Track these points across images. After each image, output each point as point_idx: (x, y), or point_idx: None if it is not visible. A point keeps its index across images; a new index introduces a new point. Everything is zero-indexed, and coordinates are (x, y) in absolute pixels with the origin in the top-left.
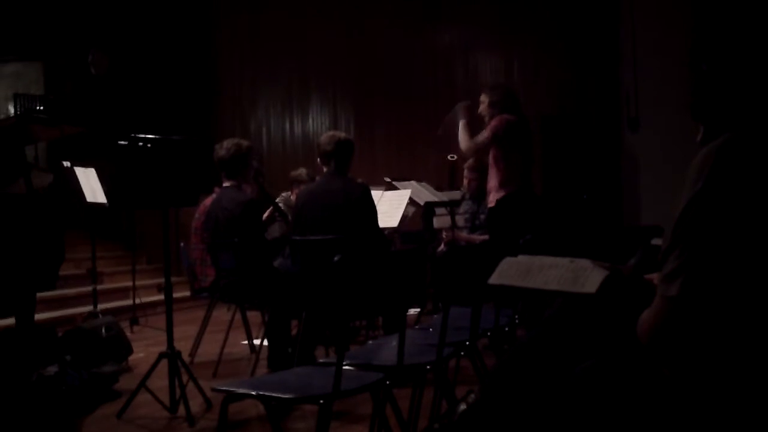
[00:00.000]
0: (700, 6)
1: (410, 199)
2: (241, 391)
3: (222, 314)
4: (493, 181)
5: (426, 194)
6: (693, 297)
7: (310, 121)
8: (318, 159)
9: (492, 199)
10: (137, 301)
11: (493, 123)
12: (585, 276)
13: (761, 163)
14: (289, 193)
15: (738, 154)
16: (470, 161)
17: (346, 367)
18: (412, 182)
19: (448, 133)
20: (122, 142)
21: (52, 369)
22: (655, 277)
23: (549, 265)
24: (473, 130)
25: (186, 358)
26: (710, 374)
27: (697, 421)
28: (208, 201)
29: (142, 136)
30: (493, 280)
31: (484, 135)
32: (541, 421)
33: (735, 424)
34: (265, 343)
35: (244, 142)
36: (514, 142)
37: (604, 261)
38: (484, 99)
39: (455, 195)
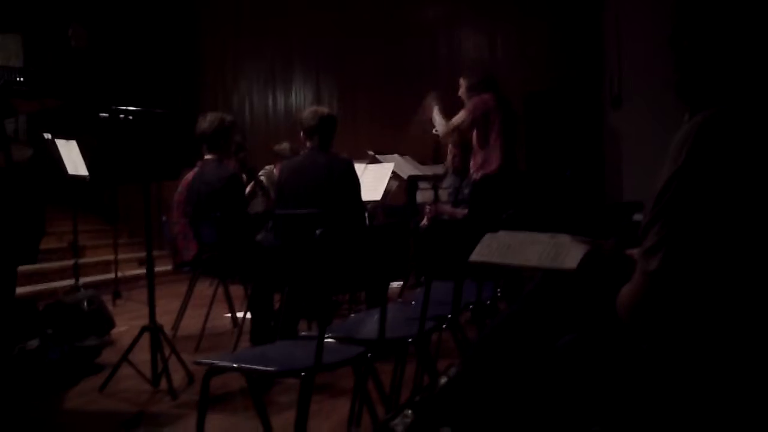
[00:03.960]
0: None
1: (393, 172)
2: (224, 364)
3: (204, 288)
4: (476, 160)
5: (409, 168)
6: (673, 272)
7: (293, 95)
8: (301, 134)
9: (475, 177)
10: (119, 275)
11: (470, 104)
12: (565, 252)
13: (743, 139)
14: (272, 166)
15: (720, 129)
16: (455, 136)
17: (328, 341)
18: (396, 156)
19: (423, 120)
20: (103, 115)
21: (34, 343)
22: (635, 252)
23: (529, 241)
24: (449, 116)
25: (168, 332)
26: (689, 349)
27: (675, 395)
28: (190, 175)
29: (124, 108)
30: (474, 257)
31: (460, 116)
32: (522, 395)
33: (714, 399)
34: (248, 316)
35: (228, 117)
36: (493, 120)
37: (586, 236)
38: (462, 83)
39: (438, 169)
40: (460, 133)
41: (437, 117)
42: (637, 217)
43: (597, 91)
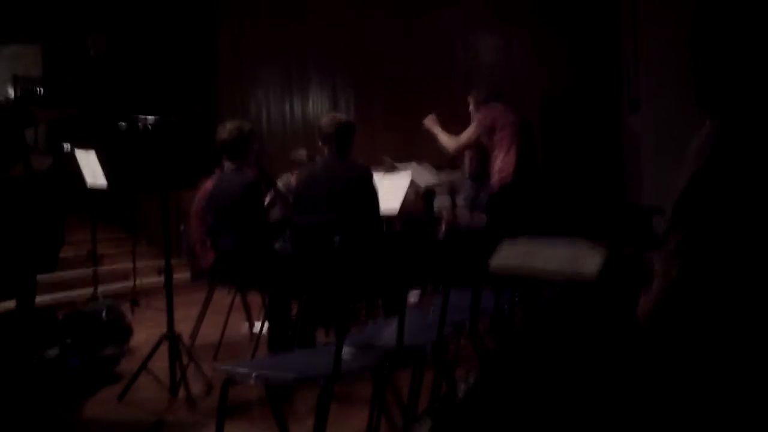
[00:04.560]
0: None
1: (411, 181)
2: (242, 372)
3: (222, 296)
4: (492, 168)
5: (426, 175)
6: (692, 278)
7: (310, 102)
8: (318, 141)
9: (493, 183)
10: (138, 283)
11: (479, 115)
12: (585, 258)
13: (762, 143)
14: (290, 174)
15: (739, 133)
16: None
17: (347, 349)
18: (413, 163)
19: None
20: (122, 124)
21: (53, 352)
22: (655, 257)
23: (549, 248)
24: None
25: (187, 340)
26: (710, 355)
27: (697, 403)
28: (208, 184)
29: (142, 117)
30: (494, 263)
31: (470, 130)
32: (541, 403)
33: (735, 406)
34: (266, 325)
35: (246, 125)
36: (503, 127)
37: (605, 242)
38: (470, 100)
39: (455, 175)
40: (468, 149)
41: (442, 136)
42: (657, 221)
43: (615, 95)
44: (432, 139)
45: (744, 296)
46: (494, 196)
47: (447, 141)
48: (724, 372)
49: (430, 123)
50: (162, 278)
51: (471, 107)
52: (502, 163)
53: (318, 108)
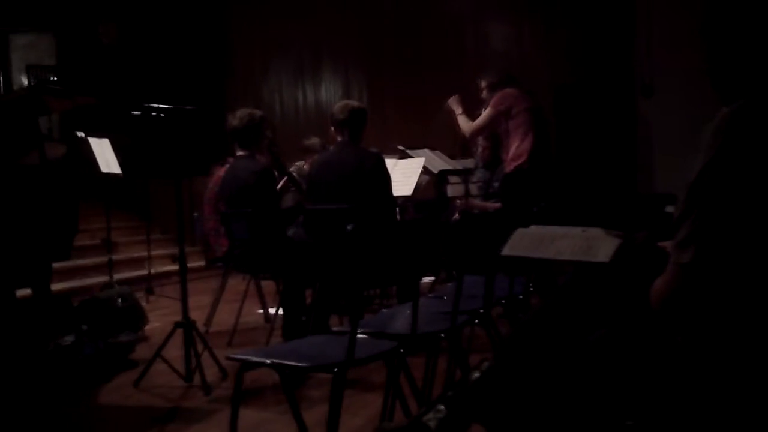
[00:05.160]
0: None
1: (424, 167)
2: (256, 359)
3: (237, 284)
4: (506, 153)
5: (439, 162)
6: (706, 264)
7: (323, 90)
8: (331, 128)
9: (507, 169)
10: (152, 271)
11: (495, 100)
12: (598, 245)
13: None
14: (303, 162)
15: (753, 119)
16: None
17: (360, 336)
18: (426, 150)
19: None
20: (135, 113)
21: (69, 339)
22: (668, 244)
23: (561, 235)
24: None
25: (201, 327)
26: (723, 341)
27: (709, 387)
28: (221, 171)
29: (155, 105)
30: (506, 251)
31: (486, 114)
32: (555, 389)
33: (747, 391)
34: (280, 312)
35: (257, 112)
36: (519, 113)
37: (618, 229)
38: (482, 84)
39: (468, 163)
40: (484, 134)
41: (462, 119)
42: (670, 209)
43: (628, 81)
44: (446, 126)
45: (756, 282)
46: (508, 177)
47: (464, 124)
48: (735, 356)
49: (454, 103)
50: (176, 266)
51: (484, 91)
52: (517, 149)
53: (331, 96)
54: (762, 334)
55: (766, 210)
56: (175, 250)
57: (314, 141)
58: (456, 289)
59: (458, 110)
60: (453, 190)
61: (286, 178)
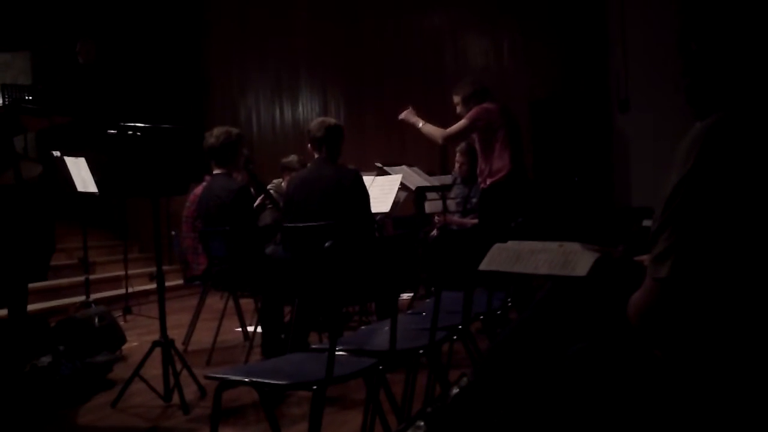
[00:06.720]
0: None
1: (402, 184)
2: (235, 378)
3: (215, 302)
4: (482, 169)
5: (417, 179)
6: (683, 278)
7: (300, 107)
8: (308, 145)
9: (483, 185)
10: (130, 290)
11: (471, 113)
12: (575, 259)
13: (751, 143)
14: (281, 180)
15: (728, 133)
16: (462, 145)
17: (339, 353)
18: (404, 167)
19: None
20: (111, 131)
21: (46, 359)
22: (645, 258)
23: (539, 250)
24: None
25: (179, 346)
26: (701, 355)
27: (689, 402)
28: (198, 189)
29: (132, 124)
30: (484, 266)
31: (460, 123)
32: (534, 403)
33: (727, 406)
34: (259, 330)
35: (234, 130)
36: (497, 128)
37: (595, 243)
38: (456, 99)
39: (446, 179)
40: (457, 142)
41: (426, 127)
42: (647, 223)
43: (604, 96)
44: (424, 142)
45: (733, 296)
46: (485, 193)
47: (434, 131)
48: (713, 370)
49: (408, 115)
50: (154, 284)
51: (459, 107)
52: (494, 164)
53: (308, 113)
54: (740, 347)
55: (742, 225)
56: (152, 269)
57: (292, 158)
58: (435, 305)
59: (418, 122)
60: (431, 206)
61: (263, 195)
